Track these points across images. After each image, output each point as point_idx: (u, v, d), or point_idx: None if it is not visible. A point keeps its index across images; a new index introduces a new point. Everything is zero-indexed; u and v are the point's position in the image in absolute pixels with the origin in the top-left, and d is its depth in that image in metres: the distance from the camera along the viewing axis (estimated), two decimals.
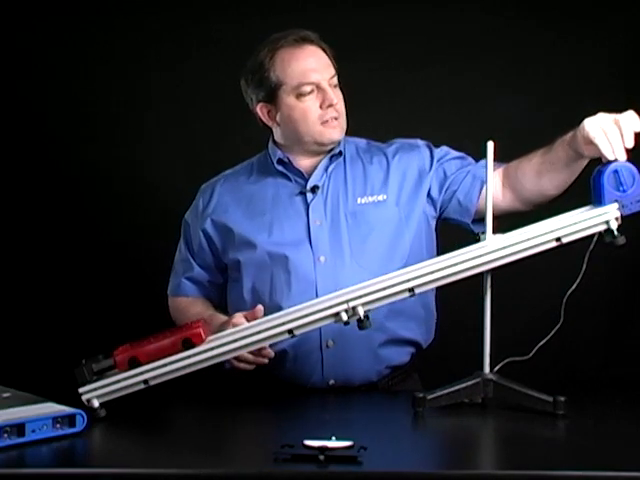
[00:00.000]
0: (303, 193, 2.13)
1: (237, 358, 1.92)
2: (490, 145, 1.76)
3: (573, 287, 1.81)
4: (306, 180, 2.14)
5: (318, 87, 2.08)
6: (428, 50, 2.95)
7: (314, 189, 2.12)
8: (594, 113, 1.83)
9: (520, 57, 2.98)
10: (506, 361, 1.82)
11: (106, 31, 2.98)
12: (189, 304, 2.22)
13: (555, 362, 2.86)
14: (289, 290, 2.05)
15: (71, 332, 2.91)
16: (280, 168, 2.16)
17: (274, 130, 2.18)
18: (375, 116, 2.29)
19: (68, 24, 2.98)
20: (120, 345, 1.76)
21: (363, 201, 2.12)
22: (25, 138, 3.01)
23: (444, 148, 2.18)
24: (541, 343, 1.83)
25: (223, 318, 2.06)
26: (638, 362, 2.90)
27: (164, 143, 3.01)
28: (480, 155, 1.78)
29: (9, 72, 2.99)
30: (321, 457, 1.42)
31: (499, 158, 1.78)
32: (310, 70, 2.08)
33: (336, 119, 2.10)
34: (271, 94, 2.11)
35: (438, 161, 2.15)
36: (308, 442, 1.44)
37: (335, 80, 2.12)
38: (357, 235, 2.09)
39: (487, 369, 1.78)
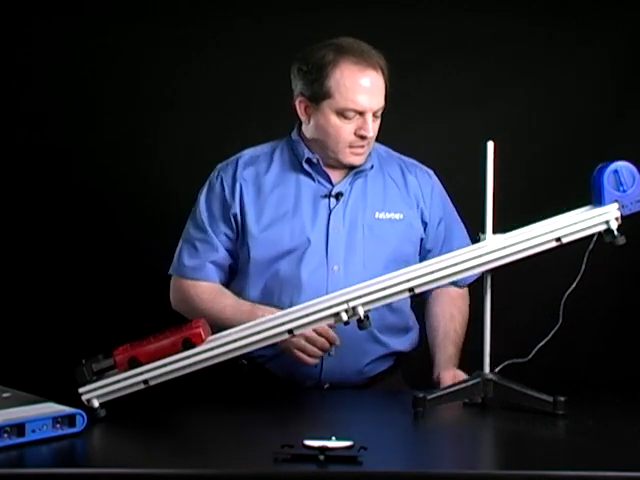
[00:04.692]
0: (326, 197, 2.13)
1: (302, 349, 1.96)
2: (490, 145, 1.76)
3: (572, 287, 1.81)
4: (330, 184, 2.15)
5: (361, 114, 2.07)
6: (428, 50, 2.95)
7: (337, 196, 2.13)
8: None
9: (520, 57, 2.98)
10: (506, 363, 1.82)
11: (111, 32, 2.97)
12: (217, 293, 2.15)
13: (555, 362, 2.86)
14: (299, 294, 2.05)
15: (71, 332, 2.90)
16: (307, 167, 2.15)
17: (304, 124, 2.16)
18: None
19: (72, 26, 2.97)
20: (120, 345, 1.76)
21: (381, 216, 2.14)
22: (29, 137, 3.00)
23: (441, 208, 2.24)
24: (540, 344, 1.83)
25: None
26: (638, 362, 2.90)
27: (166, 142, 3.01)
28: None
29: (14, 74, 2.99)
30: (321, 457, 1.42)
31: (499, 158, 1.78)
32: (361, 98, 2.06)
33: (363, 147, 2.11)
34: (317, 99, 2.09)
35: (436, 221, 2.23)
36: (308, 442, 1.44)
37: (380, 112, 2.11)
38: (372, 249, 2.11)
39: (487, 369, 1.78)
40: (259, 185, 2.15)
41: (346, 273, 2.08)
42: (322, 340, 1.98)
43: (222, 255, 2.16)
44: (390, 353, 2.17)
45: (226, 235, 2.15)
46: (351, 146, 2.10)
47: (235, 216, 2.14)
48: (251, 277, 2.12)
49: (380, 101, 2.10)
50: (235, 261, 2.17)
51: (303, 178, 2.16)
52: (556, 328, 1.82)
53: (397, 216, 2.15)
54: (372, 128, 2.08)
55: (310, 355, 1.99)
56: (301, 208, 2.12)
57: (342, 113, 2.07)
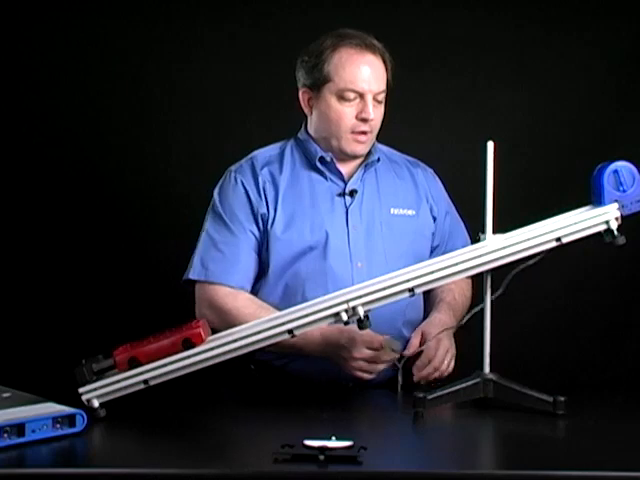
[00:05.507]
0: (341, 195, 2.14)
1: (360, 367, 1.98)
2: (490, 145, 1.76)
3: (528, 263, 1.79)
4: (343, 182, 2.16)
5: (361, 97, 2.09)
6: (428, 50, 2.95)
7: (352, 193, 2.14)
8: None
9: (520, 57, 2.98)
10: (442, 331, 1.91)
11: (114, 29, 2.97)
12: (258, 308, 2.07)
13: (555, 362, 2.86)
14: (325, 292, 1.99)
15: (71, 332, 2.90)
16: (320, 166, 2.16)
17: (309, 119, 2.19)
18: None
19: (74, 26, 2.97)
20: (120, 345, 1.76)
21: (396, 212, 2.17)
22: (32, 137, 3.00)
23: (444, 208, 2.27)
24: (475, 310, 1.84)
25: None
26: (638, 362, 2.90)
27: (170, 143, 3.01)
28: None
29: (15, 74, 2.99)
30: (321, 457, 1.42)
31: (499, 158, 1.78)
32: (360, 79, 2.09)
33: (366, 134, 2.12)
34: (317, 85, 2.12)
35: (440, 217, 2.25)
36: (308, 442, 1.44)
37: (382, 96, 2.13)
38: (391, 245, 2.13)
39: (487, 369, 1.78)
40: (276, 186, 2.15)
41: (369, 269, 2.09)
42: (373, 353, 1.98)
43: (251, 258, 2.13)
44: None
45: (254, 236, 2.13)
46: (353, 132, 2.11)
47: (263, 216, 2.12)
48: (271, 278, 2.11)
49: (380, 85, 2.11)
50: (261, 265, 2.15)
51: (315, 177, 2.17)
52: (496, 295, 1.80)
53: (410, 212, 2.18)
54: (373, 112, 2.09)
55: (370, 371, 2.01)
56: (318, 205, 2.13)
57: (342, 96, 2.09)
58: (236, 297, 2.10)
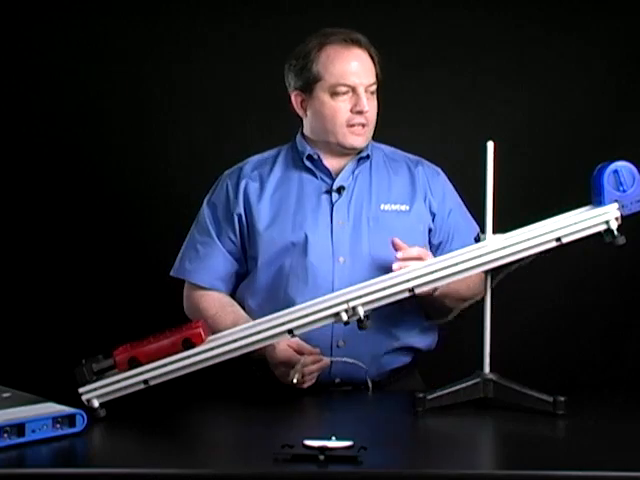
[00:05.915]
0: (328, 192, 2.15)
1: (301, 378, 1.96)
2: (490, 145, 1.76)
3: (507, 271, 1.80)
4: (332, 179, 2.16)
5: (354, 90, 2.11)
6: (428, 50, 2.95)
7: (340, 190, 2.15)
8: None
9: (520, 57, 2.98)
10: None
11: (114, 29, 2.97)
12: (220, 308, 2.14)
13: (555, 362, 2.86)
14: (306, 287, 2.06)
15: (71, 332, 2.90)
16: (308, 164, 2.17)
17: (304, 121, 2.20)
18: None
19: (73, 25, 2.98)
20: (120, 345, 1.76)
21: (386, 208, 2.15)
22: (32, 137, 3.00)
23: (448, 206, 2.23)
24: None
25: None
26: (638, 362, 2.90)
27: (167, 142, 3.01)
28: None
29: (15, 74, 2.98)
30: (321, 457, 1.42)
31: (499, 158, 1.78)
32: (350, 72, 2.10)
33: (363, 126, 2.13)
34: (308, 85, 2.14)
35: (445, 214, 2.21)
36: (308, 442, 1.44)
37: (373, 88, 2.14)
38: (378, 240, 2.11)
39: (487, 369, 1.78)
40: (263, 186, 2.17)
41: (352, 264, 2.09)
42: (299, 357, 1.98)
43: (225, 260, 2.17)
44: (405, 348, 2.15)
45: (230, 239, 2.17)
46: (350, 125, 2.12)
47: (240, 216, 2.15)
48: (258, 275, 2.13)
49: (370, 77, 2.13)
50: (242, 266, 2.18)
51: (305, 176, 2.18)
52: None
53: (403, 207, 2.16)
54: (367, 104, 2.10)
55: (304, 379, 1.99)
56: (303, 204, 2.14)
57: (334, 91, 2.11)
58: (204, 297, 2.18)
